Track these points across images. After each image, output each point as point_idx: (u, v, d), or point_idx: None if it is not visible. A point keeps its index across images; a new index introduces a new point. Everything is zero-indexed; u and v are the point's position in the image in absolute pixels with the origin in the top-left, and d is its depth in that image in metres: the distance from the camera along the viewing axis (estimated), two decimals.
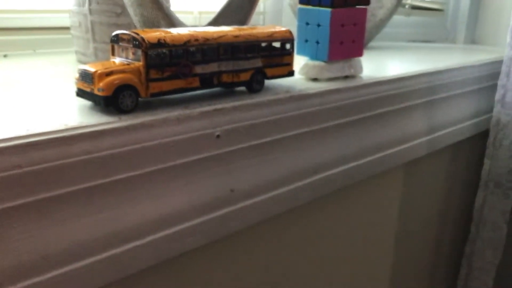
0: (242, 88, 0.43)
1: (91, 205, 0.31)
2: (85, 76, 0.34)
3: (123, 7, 0.55)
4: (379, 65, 0.65)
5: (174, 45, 0.35)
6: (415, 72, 0.58)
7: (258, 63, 0.41)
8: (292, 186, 0.44)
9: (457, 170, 0.79)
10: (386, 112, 0.54)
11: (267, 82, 0.44)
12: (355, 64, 0.51)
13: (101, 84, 0.33)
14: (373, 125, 0.53)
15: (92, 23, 0.56)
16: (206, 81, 0.38)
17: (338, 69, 0.49)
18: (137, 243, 0.33)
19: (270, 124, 0.41)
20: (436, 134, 0.64)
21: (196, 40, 0.36)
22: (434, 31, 1.03)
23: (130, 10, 0.52)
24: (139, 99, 0.35)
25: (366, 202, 0.60)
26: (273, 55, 0.42)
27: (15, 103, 0.36)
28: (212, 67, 0.38)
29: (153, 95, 0.35)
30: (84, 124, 0.31)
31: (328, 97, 0.46)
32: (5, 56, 0.60)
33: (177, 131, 0.35)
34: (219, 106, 0.37)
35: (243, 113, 0.39)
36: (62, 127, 0.30)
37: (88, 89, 0.34)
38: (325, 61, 0.47)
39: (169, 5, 0.59)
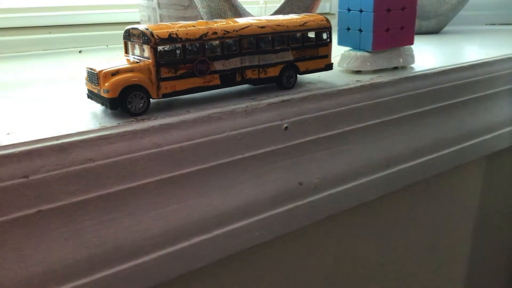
0: (312, 78, 0.42)
1: (160, 198, 0.31)
2: (91, 77, 0.31)
3: (190, 0, 0.56)
4: (456, 50, 0.61)
5: (188, 40, 0.32)
6: (495, 57, 0.53)
7: (288, 56, 0.37)
8: (363, 180, 0.42)
9: None
10: (465, 101, 0.51)
11: (312, 77, 0.41)
12: (404, 53, 0.46)
13: (106, 85, 0.30)
14: (451, 115, 0.50)
15: (161, 16, 0.57)
16: (228, 78, 0.34)
17: (384, 59, 0.44)
18: (205, 236, 0.33)
19: (339, 115, 0.39)
20: None
21: (214, 33, 0.33)
22: None
23: (197, 2, 0.52)
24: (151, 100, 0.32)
25: (443, 198, 0.57)
26: (307, 47, 0.38)
27: (86, 98, 0.37)
28: (234, 63, 0.34)
29: (165, 95, 0.32)
30: (153, 118, 0.31)
31: (401, 85, 0.43)
32: (80, 51, 0.62)
33: (245, 124, 0.34)
34: (287, 97, 0.36)
35: (311, 103, 0.37)
36: (133, 120, 0.30)
37: (95, 90, 0.31)
38: (369, 51, 0.43)
39: None
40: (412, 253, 0.56)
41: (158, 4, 0.57)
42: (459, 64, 0.49)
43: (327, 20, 0.39)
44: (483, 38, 0.72)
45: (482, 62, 0.51)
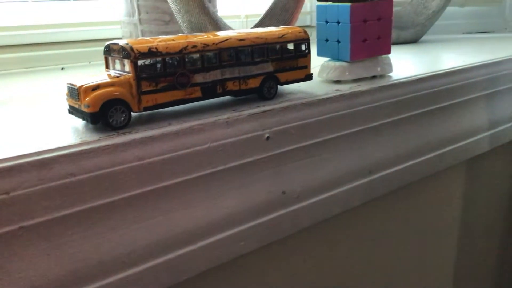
0: (293, 88, 0.42)
1: (143, 211, 0.31)
2: (72, 92, 0.32)
3: (171, 15, 0.56)
4: (434, 58, 0.62)
5: (168, 53, 0.32)
6: (472, 64, 0.55)
7: (268, 67, 0.38)
8: (345, 187, 0.43)
9: None
10: (443, 107, 0.52)
11: (293, 87, 0.42)
12: (382, 62, 0.47)
13: (86, 100, 0.30)
14: (430, 122, 0.51)
15: (142, 32, 0.58)
16: (209, 90, 0.35)
17: (363, 69, 0.45)
18: (189, 248, 0.33)
19: (320, 124, 0.40)
20: (500, 128, 0.60)
21: (194, 46, 0.33)
22: (491, 21, 0.98)
23: (178, 17, 0.53)
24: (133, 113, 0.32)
25: (426, 202, 0.58)
26: (286, 58, 0.39)
27: (67, 114, 0.37)
28: (215, 75, 0.35)
29: (147, 108, 0.32)
30: (134, 131, 0.31)
31: (380, 94, 0.44)
32: (62, 68, 0.62)
33: (227, 134, 0.34)
34: (268, 107, 0.37)
35: (292, 113, 0.38)
36: (114, 134, 0.31)
37: (76, 106, 0.32)
38: (347, 61, 0.44)
39: (216, 10, 0.59)
40: (398, 258, 0.57)
41: (139, 20, 0.57)
42: (437, 71, 0.50)
43: (305, 32, 0.40)
44: (460, 46, 0.74)
45: (459, 69, 0.52)
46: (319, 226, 0.44)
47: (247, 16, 0.76)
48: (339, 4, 0.43)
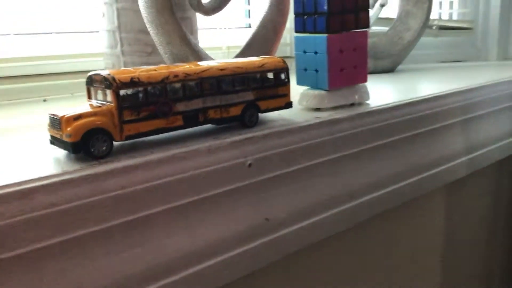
0: (274, 116, 0.43)
1: (125, 241, 0.31)
2: (54, 122, 0.32)
3: (153, 46, 0.57)
4: (410, 86, 0.64)
5: (150, 83, 0.33)
6: (447, 91, 0.56)
7: (249, 96, 0.39)
8: (328, 213, 0.43)
9: (503, 189, 0.76)
10: (421, 133, 0.53)
11: (273, 115, 0.43)
12: (359, 90, 0.48)
13: (68, 129, 0.31)
14: (409, 147, 0.52)
15: (125, 63, 0.58)
16: (190, 119, 0.35)
17: (341, 97, 0.46)
18: (172, 279, 0.33)
19: (301, 151, 0.41)
20: (476, 153, 0.62)
21: (176, 76, 0.34)
22: (464, 50, 1.01)
23: (160, 49, 0.53)
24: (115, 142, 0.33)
25: (408, 227, 0.58)
26: (266, 87, 0.40)
27: (49, 145, 0.37)
28: (196, 104, 0.35)
29: (129, 137, 0.33)
30: (116, 159, 0.31)
31: (358, 121, 0.45)
32: (44, 100, 0.62)
33: (209, 162, 0.35)
34: (249, 134, 0.37)
35: (274, 140, 0.38)
36: (95, 163, 0.31)
37: (58, 136, 0.32)
38: (326, 90, 0.45)
39: (197, 42, 0.60)
40: (382, 281, 0.57)
41: (122, 51, 0.58)
42: (413, 99, 0.51)
43: (284, 62, 0.41)
44: (435, 74, 0.76)
45: (434, 96, 0.54)
46: (303, 253, 0.44)
47: (228, 48, 0.78)
48: (316, 35, 0.44)
